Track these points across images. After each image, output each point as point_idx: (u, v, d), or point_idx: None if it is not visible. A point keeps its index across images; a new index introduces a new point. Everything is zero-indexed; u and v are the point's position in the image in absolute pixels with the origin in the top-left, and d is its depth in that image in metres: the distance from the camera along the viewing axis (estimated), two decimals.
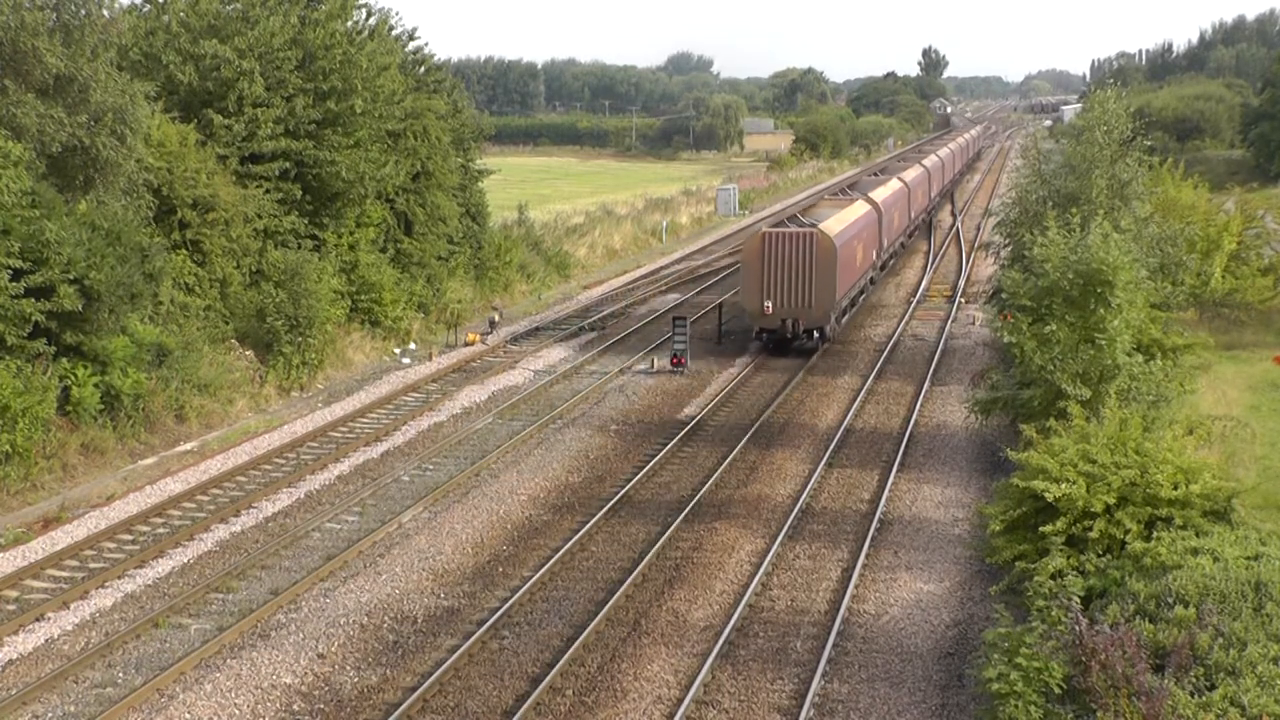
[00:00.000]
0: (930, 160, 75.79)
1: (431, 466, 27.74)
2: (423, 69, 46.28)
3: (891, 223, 53.17)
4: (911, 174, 64.44)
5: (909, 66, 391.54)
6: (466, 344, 40.43)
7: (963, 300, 48.70)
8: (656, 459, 27.61)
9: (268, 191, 35.68)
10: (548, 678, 17.30)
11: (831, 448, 28.54)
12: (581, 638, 18.57)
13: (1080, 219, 26.77)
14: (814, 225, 39.58)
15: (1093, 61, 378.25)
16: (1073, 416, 21.39)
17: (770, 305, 38.04)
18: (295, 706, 16.94)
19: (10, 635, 18.93)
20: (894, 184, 57.48)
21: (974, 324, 43.62)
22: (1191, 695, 13.45)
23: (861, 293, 46.63)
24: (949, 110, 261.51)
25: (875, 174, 65.70)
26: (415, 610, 20.07)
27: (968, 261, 58.82)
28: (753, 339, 40.05)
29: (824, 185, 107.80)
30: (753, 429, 30.07)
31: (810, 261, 37.88)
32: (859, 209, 46.46)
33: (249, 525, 23.98)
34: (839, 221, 41.86)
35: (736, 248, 64.94)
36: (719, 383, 35.55)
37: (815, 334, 38.89)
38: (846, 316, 43.13)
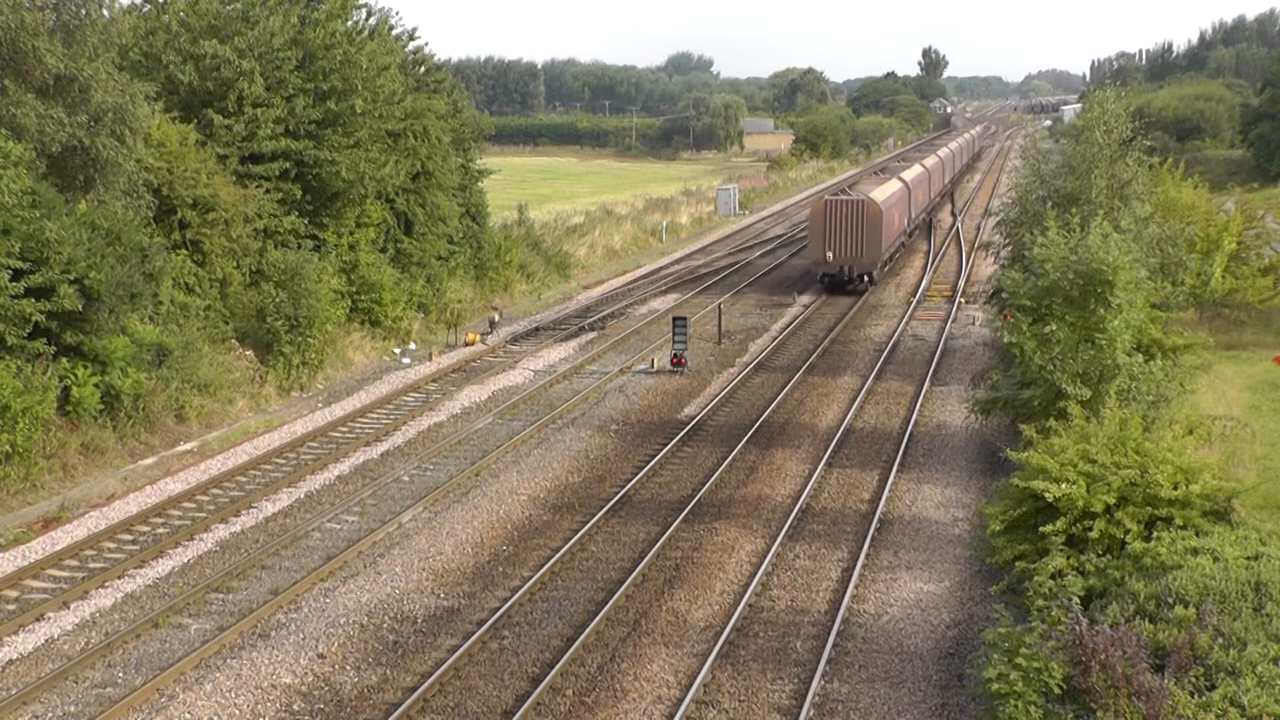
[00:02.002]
0: (943, 151, 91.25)
1: (431, 466, 27.74)
2: (423, 69, 46.29)
3: (917, 198, 65.07)
4: (930, 161, 78.21)
5: (909, 66, 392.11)
6: (466, 344, 40.42)
7: (963, 300, 48.68)
8: (656, 459, 27.61)
9: (268, 191, 35.67)
10: (548, 678, 17.31)
11: (831, 448, 28.54)
12: (581, 638, 18.58)
13: (1080, 219, 26.77)
14: (864, 195, 50.88)
15: (1093, 61, 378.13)
16: (1073, 416, 21.39)
17: (831, 255, 49.79)
18: (295, 706, 16.95)
19: (10, 635, 18.94)
20: (917, 168, 69.51)
21: (974, 324, 43.61)
22: (1191, 695, 13.45)
23: (897, 250, 58.45)
24: (949, 110, 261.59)
25: (899, 161, 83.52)
26: (415, 610, 20.07)
27: (968, 261, 58.82)
28: (817, 280, 51.75)
29: (824, 185, 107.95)
30: (753, 429, 30.06)
31: (862, 222, 49.50)
32: (894, 184, 58.11)
33: (249, 525, 23.98)
34: (881, 192, 53.05)
35: (736, 248, 65.44)
36: (719, 383, 35.55)
37: (865, 277, 50.62)
38: (887, 266, 55.91)
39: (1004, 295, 28.34)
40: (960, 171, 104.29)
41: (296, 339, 33.82)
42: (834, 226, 49.43)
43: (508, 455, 28.52)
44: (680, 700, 16.84)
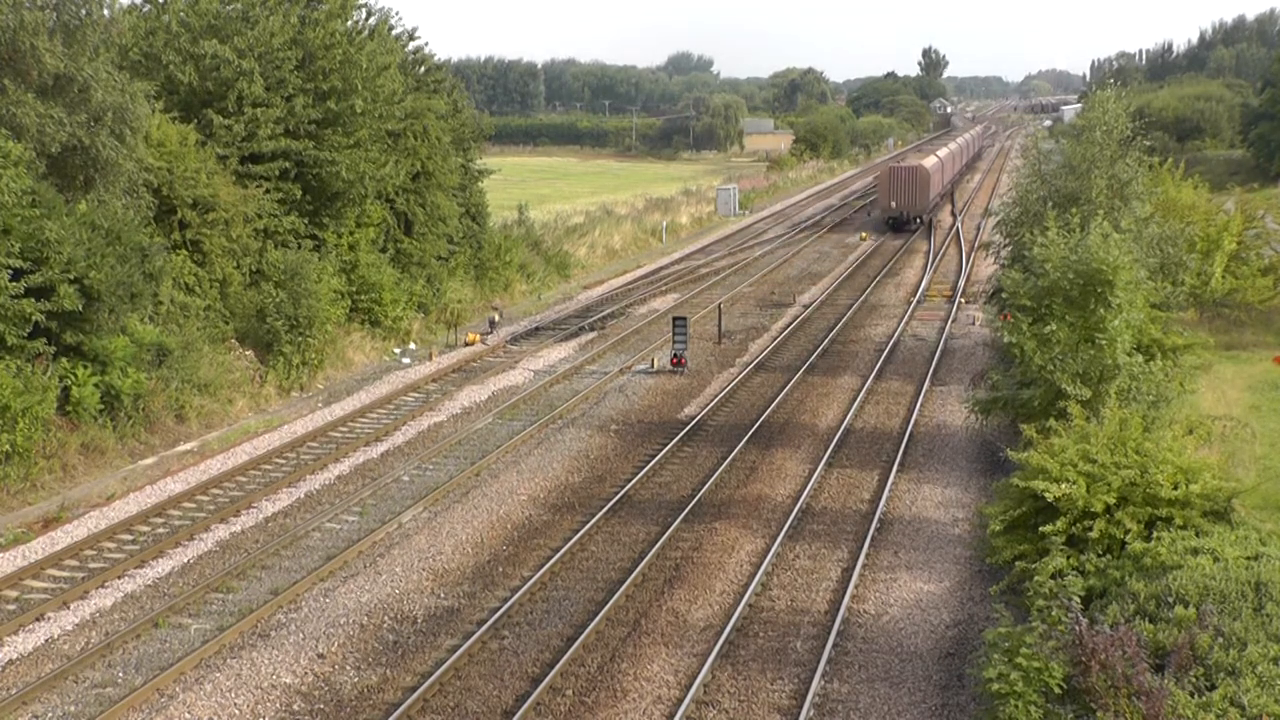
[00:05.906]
0: (958, 140, 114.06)
1: (431, 466, 27.74)
2: (423, 69, 46.28)
3: (948, 170, 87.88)
4: (954, 144, 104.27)
5: (909, 66, 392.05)
6: (466, 344, 40.43)
7: (963, 300, 48.69)
8: (656, 459, 27.61)
9: (268, 191, 35.67)
10: (548, 678, 17.30)
11: (831, 448, 28.54)
12: (581, 638, 18.58)
13: (1080, 219, 26.76)
14: (917, 162, 74.99)
15: (1093, 61, 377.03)
16: (1073, 416, 21.39)
17: (894, 204, 71.78)
18: (295, 706, 16.95)
19: (10, 635, 18.94)
20: (944, 150, 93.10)
21: (974, 324, 43.61)
22: (1191, 695, 13.46)
23: (936, 204, 79.10)
24: (949, 110, 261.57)
25: (932, 142, 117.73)
26: (415, 610, 20.07)
27: (968, 261, 58.83)
28: (882, 223, 73.45)
29: (824, 185, 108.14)
30: (753, 429, 30.06)
31: (915, 180, 71.72)
32: (933, 158, 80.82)
33: (249, 525, 23.98)
34: (928, 161, 76.98)
35: (737, 247, 65.46)
36: (719, 383, 35.54)
37: (918, 220, 72.98)
38: (931, 216, 76.38)
39: (1004, 295, 28.33)
40: (960, 171, 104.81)
41: (296, 339, 33.81)
42: (895, 184, 71.52)
43: (508, 455, 28.52)
44: (680, 700, 16.84)
